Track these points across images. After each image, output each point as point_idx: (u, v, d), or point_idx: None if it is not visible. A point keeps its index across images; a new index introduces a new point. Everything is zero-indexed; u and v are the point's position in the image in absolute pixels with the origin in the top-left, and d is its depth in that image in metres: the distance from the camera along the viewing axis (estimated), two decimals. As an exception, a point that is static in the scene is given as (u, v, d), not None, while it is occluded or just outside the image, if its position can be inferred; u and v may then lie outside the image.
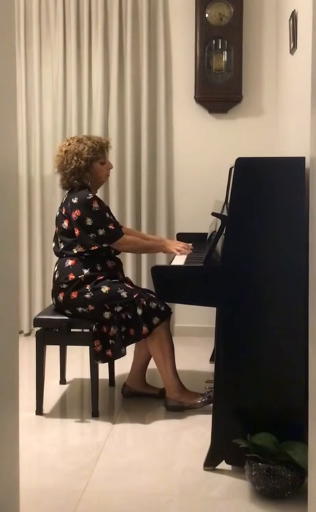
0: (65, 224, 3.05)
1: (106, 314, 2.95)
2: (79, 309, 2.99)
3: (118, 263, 3.16)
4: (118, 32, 4.35)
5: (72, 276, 3.01)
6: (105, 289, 2.97)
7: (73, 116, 4.43)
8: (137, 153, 4.42)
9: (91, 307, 2.97)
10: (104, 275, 3.03)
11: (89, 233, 2.99)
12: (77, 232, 3.01)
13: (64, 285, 3.02)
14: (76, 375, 3.60)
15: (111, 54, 4.38)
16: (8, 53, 1.69)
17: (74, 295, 2.99)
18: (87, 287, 2.98)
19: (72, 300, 2.99)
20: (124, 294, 2.97)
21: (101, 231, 2.99)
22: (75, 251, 3.03)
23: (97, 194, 3.34)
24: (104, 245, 3.01)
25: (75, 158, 3.07)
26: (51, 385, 3.34)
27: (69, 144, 3.13)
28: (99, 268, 3.04)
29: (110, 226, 3.01)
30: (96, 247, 3.00)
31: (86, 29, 4.39)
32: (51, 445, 2.72)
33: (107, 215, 3.03)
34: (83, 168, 3.08)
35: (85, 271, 3.01)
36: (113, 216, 3.13)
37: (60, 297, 3.04)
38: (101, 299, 2.95)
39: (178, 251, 3.13)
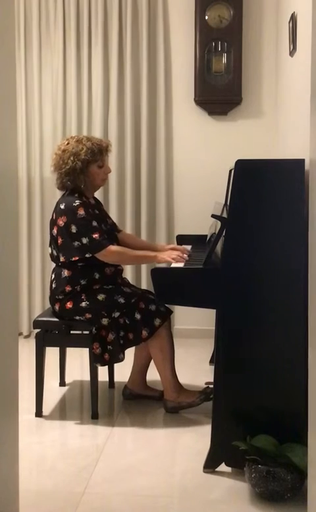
0: (54, 230, 2.99)
1: (104, 321, 2.94)
2: (77, 318, 2.97)
3: (117, 268, 3.10)
4: (117, 34, 4.35)
5: (68, 288, 2.96)
6: (101, 296, 2.93)
7: (73, 118, 4.43)
8: (137, 154, 4.42)
9: (88, 315, 2.95)
10: (101, 284, 2.98)
11: (73, 242, 2.89)
12: (60, 241, 2.94)
13: (61, 296, 2.99)
14: (75, 377, 3.59)
15: (111, 57, 4.39)
16: (8, 55, 1.69)
17: (70, 305, 2.96)
18: (82, 297, 2.95)
19: (68, 310, 2.97)
20: (122, 300, 2.94)
21: (84, 240, 2.88)
22: (67, 262, 2.95)
23: (97, 197, 3.33)
24: (87, 255, 2.90)
25: (72, 158, 2.98)
26: (51, 387, 3.34)
27: (68, 143, 3.04)
28: (97, 277, 2.99)
29: (95, 235, 2.88)
30: (76, 258, 2.90)
31: (86, 31, 4.40)
32: (51, 447, 2.71)
33: (94, 223, 2.91)
34: (79, 170, 2.98)
35: (83, 281, 2.96)
36: (105, 225, 3.07)
37: (56, 306, 3.02)
38: (98, 306, 2.93)
39: (173, 259, 2.90)
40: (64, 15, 4.40)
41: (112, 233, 3.18)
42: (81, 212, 2.91)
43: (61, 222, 2.93)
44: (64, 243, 2.93)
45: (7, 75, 1.68)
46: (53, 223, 3.00)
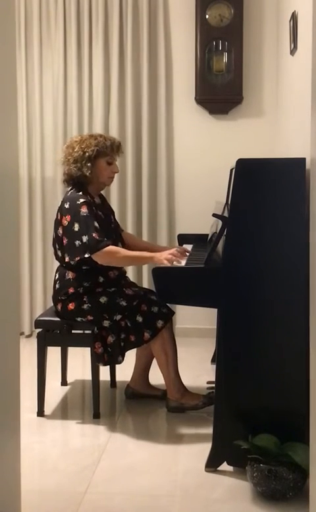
0: (60, 230, 2.96)
1: (106, 323, 2.94)
2: (79, 319, 2.97)
3: (121, 272, 3.08)
4: (118, 33, 4.35)
5: (71, 290, 2.96)
6: (103, 299, 2.92)
7: (74, 117, 4.43)
8: (137, 154, 4.42)
9: (90, 317, 2.94)
10: (104, 287, 2.96)
11: (75, 241, 2.86)
12: (65, 241, 2.91)
13: (63, 297, 2.98)
14: (77, 376, 3.60)
15: (112, 56, 4.39)
16: (9, 54, 1.69)
17: (72, 306, 2.95)
18: (84, 299, 2.94)
19: (70, 311, 2.97)
20: (123, 303, 2.93)
21: (84, 238, 2.83)
22: (72, 263, 2.92)
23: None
24: (86, 256, 2.83)
25: (82, 146, 2.96)
26: (52, 387, 3.34)
27: (80, 137, 3.05)
28: (101, 280, 2.97)
29: (94, 235, 2.82)
30: (79, 258, 2.86)
31: (87, 31, 4.40)
32: (52, 447, 2.72)
33: (95, 223, 2.86)
34: (87, 158, 2.94)
35: (86, 284, 2.95)
36: (109, 224, 3.06)
37: (59, 307, 3.02)
38: (99, 309, 2.92)
39: (169, 260, 2.77)
40: (65, 14, 4.40)
41: (116, 232, 3.16)
42: (84, 210, 2.88)
43: (65, 222, 2.91)
44: (68, 243, 2.90)
45: (8, 74, 1.68)
46: (58, 223, 2.98)
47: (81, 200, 2.91)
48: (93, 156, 2.96)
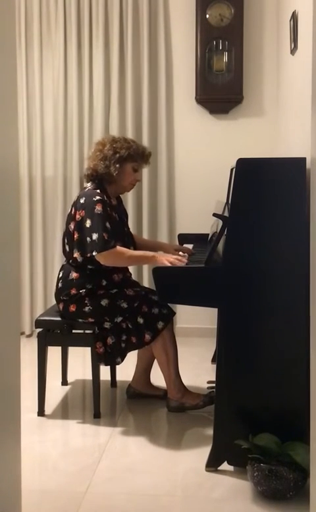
0: (71, 225, 2.96)
1: (107, 325, 2.94)
2: (80, 320, 2.98)
3: (125, 276, 3.08)
4: (118, 33, 4.35)
5: (73, 291, 2.95)
6: (104, 302, 2.92)
7: (74, 117, 4.43)
8: (138, 153, 4.41)
9: (91, 319, 2.95)
10: (107, 289, 2.96)
11: (87, 237, 2.86)
12: (76, 236, 2.91)
13: (65, 298, 2.99)
14: (77, 376, 3.60)
15: (112, 55, 4.39)
16: (9, 54, 1.69)
17: (73, 308, 2.96)
18: (85, 301, 2.93)
19: (71, 313, 2.97)
20: (124, 305, 2.92)
21: (94, 236, 2.83)
22: (79, 259, 2.92)
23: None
24: (94, 254, 2.84)
25: (114, 145, 2.96)
26: (53, 387, 3.34)
27: (113, 137, 3.05)
28: (104, 283, 2.96)
29: (104, 234, 2.83)
30: (89, 255, 2.86)
31: (87, 30, 4.40)
32: (53, 447, 2.72)
33: (107, 224, 2.86)
34: (117, 158, 2.94)
35: (89, 286, 2.95)
36: (121, 227, 3.05)
37: (60, 306, 3.03)
38: (101, 312, 2.92)
39: (171, 263, 2.78)
40: (65, 14, 4.40)
41: (129, 235, 3.16)
42: (98, 208, 2.87)
43: (78, 217, 2.90)
44: (79, 238, 2.90)
45: (8, 74, 1.68)
46: (71, 218, 2.97)
47: (98, 197, 2.90)
48: (124, 157, 2.96)
